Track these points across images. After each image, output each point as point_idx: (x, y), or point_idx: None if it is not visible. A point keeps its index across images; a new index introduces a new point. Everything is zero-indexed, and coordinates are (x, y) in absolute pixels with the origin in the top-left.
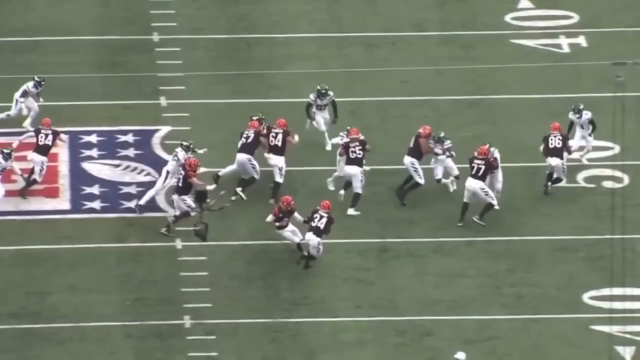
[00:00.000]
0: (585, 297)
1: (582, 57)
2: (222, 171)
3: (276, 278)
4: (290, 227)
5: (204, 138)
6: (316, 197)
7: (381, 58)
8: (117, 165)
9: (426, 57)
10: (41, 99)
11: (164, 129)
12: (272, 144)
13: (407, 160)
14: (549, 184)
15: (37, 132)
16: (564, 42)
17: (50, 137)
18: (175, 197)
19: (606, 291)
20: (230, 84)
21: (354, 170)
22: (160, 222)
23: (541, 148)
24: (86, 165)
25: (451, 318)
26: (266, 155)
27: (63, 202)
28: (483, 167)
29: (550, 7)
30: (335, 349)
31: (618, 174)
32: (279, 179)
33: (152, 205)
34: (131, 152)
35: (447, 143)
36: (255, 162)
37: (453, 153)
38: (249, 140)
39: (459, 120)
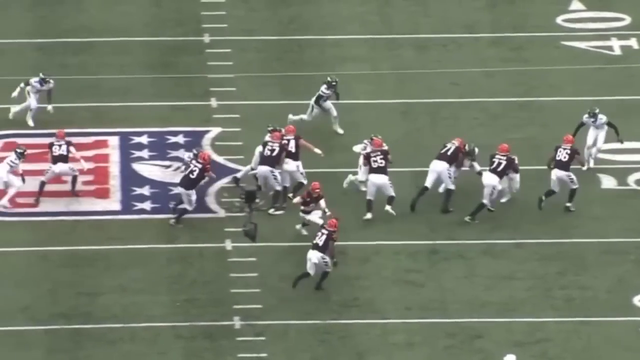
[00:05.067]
0: (636, 299)
1: (633, 59)
2: (240, 174)
3: (326, 280)
4: (317, 212)
5: (255, 139)
6: (363, 198)
7: (432, 59)
8: (168, 166)
9: (477, 59)
10: (49, 107)
11: (215, 130)
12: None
13: (443, 165)
14: (544, 197)
15: (51, 145)
16: (616, 44)
17: (64, 146)
18: (181, 190)
19: None
20: (281, 85)
21: (381, 179)
22: (209, 223)
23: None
24: (137, 166)
25: (501, 320)
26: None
27: (114, 203)
28: (504, 163)
29: (601, 9)
30: (385, 350)
31: None
32: (303, 179)
33: (201, 206)
34: (182, 153)
35: (477, 152)
36: (277, 174)
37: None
38: (274, 153)
39: (510, 122)
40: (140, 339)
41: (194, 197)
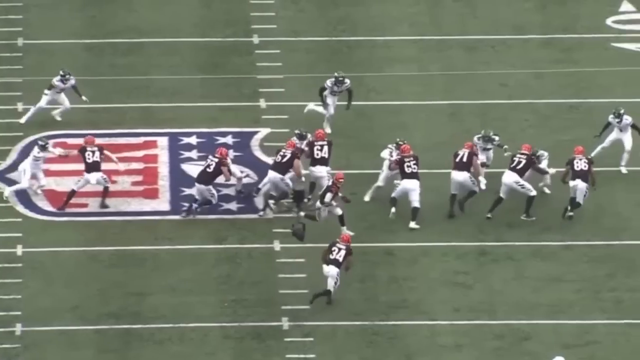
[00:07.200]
0: None
1: None
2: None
3: (374, 281)
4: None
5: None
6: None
7: (481, 61)
8: None
9: (526, 60)
10: (84, 97)
11: (263, 131)
12: (319, 156)
13: (464, 175)
14: (569, 208)
15: (83, 151)
16: None
17: (97, 153)
18: (201, 186)
19: None
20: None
21: (413, 184)
22: (258, 224)
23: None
24: (186, 167)
25: (550, 322)
26: (311, 167)
27: (162, 203)
28: (524, 162)
29: None
30: (433, 352)
31: None
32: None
33: (250, 206)
34: (230, 154)
35: (497, 140)
36: (287, 180)
37: (503, 144)
38: (284, 159)
39: (559, 123)
40: (189, 340)
41: (214, 190)
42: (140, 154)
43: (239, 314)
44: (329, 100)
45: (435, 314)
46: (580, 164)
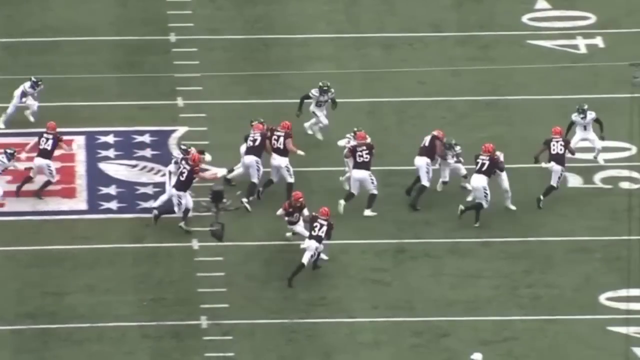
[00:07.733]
0: (602, 298)
1: (599, 58)
2: (231, 175)
3: (293, 278)
4: (301, 223)
5: (221, 139)
6: (333, 197)
7: (398, 59)
8: (134, 166)
9: (443, 58)
10: (35, 106)
11: (181, 130)
12: (275, 146)
13: (423, 160)
14: (542, 198)
15: (40, 136)
16: (581, 43)
17: (50, 141)
18: (173, 191)
19: (623, 292)
20: (248, 85)
21: (362, 174)
22: (177, 223)
23: (536, 154)
24: (103, 166)
25: (467, 319)
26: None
27: (80, 202)
28: (487, 163)
29: (567, 7)
30: (352, 349)
31: (635, 174)
32: (289, 179)
33: (168, 207)
34: (148, 152)
35: (458, 149)
36: (260, 166)
37: (462, 159)
38: (256, 143)
39: (476, 121)
40: (107, 339)
41: (184, 200)
42: (57, 152)
43: (157, 313)
44: (318, 112)
45: (354, 312)
46: (557, 147)
